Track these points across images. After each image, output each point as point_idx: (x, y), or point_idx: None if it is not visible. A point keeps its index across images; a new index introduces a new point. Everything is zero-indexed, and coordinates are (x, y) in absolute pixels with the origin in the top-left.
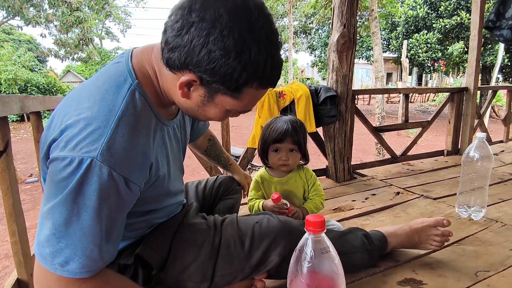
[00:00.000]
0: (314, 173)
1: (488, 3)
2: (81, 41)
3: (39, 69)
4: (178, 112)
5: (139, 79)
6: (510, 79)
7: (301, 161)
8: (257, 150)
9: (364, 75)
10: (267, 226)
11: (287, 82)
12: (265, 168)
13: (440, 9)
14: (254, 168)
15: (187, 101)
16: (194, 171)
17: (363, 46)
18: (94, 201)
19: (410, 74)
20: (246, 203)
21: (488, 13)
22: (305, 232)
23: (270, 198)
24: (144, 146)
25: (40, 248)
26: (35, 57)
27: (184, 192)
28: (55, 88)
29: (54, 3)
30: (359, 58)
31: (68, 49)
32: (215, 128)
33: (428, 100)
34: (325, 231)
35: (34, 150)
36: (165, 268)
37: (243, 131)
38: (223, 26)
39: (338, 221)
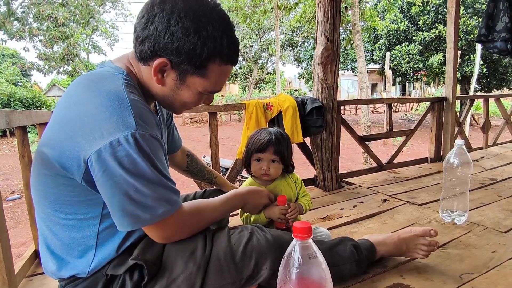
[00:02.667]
0: (299, 176)
1: (463, 17)
2: (66, 56)
3: (23, 84)
4: (157, 111)
5: (128, 74)
6: (487, 88)
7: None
8: (242, 160)
9: (350, 86)
10: (258, 240)
11: (275, 94)
12: (251, 177)
13: (419, 22)
14: (243, 179)
15: (163, 88)
16: (184, 184)
17: (348, 58)
18: (152, 156)
19: (394, 84)
20: (235, 215)
21: (463, 26)
22: None
23: (275, 203)
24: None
25: (155, 206)
26: (19, 71)
27: None
28: (39, 102)
29: (39, 17)
30: (345, 69)
31: (53, 63)
32: (204, 140)
33: (412, 109)
34: (311, 237)
35: (15, 166)
36: (154, 279)
37: (233, 143)
38: (180, 10)
39: (327, 229)
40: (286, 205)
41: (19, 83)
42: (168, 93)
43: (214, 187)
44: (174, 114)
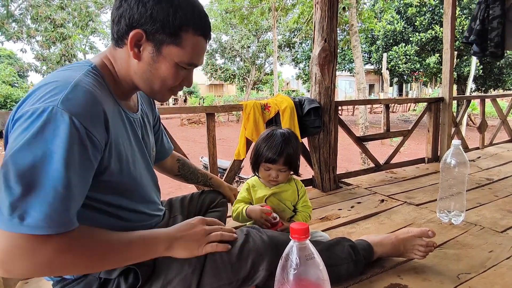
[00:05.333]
0: (303, 184)
1: (459, 17)
2: (63, 57)
3: (20, 85)
4: (138, 109)
5: (98, 66)
6: (483, 88)
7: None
8: (249, 159)
9: (347, 86)
10: (254, 241)
11: (273, 95)
12: (256, 176)
13: (416, 23)
14: (241, 180)
15: (140, 64)
16: (181, 185)
17: (346, 58)
18: (59, 147)
19: (391, 85)
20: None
21: (459, 27)
22: None
23: (259, 205)
24: (102, 107)
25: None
26: (15, 72)
27: (159, 203)
28: None
29: (37, 18)
30: (342, 70)
31: (50, 64)
32: (201, 141)
33: (409, 110)
34: (309, 238)
35: None
36: (149, 282)
37: (230, 144)
38: None
39: (325, 230)
40: (270, 216)
41: (16, 84)
42: (145, 68)
43: (211, 188)
44: (161, 119)
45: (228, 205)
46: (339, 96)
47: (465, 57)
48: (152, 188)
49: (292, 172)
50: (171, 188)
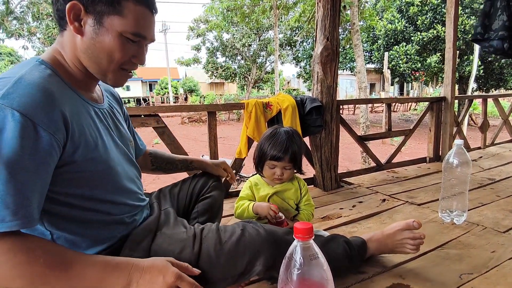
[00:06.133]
0: (305, 183)
1: (461, 16)
2: None
3: None
4: (104, 101)
5: (46, 60)
6: (485, 88)
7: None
8: (253, 158)
9: (348, 85)
10: (251, 236)
11: (274, 93)
12: (259, 175)
13: (417, 23)
14: (242, 179)
15: (83, 40)
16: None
17: (347, 57)
18: (1, 141)
19: (392, 84)
20: (230, 215)
21: (461, 26)
22: (290, 240)
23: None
24: (53, 98)
25: None
26: None
27: (140, 193)
28: None
29: (38, 16)
30: (343, 69)
31: None
32: (202, 139)
33: (410, 109)
34: (313, 237)
35: None
36: None
37: (231, 142)
38: None
39: (327, 229)
40: (277, 215)
41: None
42: (89, 43)
43: (202, 172)
44: (130, 116)
45: (222, 186)
46: (340, 95)
47: (466, 56)
48: (129, 177)
49: (295, 171)
50: (167, 181)
